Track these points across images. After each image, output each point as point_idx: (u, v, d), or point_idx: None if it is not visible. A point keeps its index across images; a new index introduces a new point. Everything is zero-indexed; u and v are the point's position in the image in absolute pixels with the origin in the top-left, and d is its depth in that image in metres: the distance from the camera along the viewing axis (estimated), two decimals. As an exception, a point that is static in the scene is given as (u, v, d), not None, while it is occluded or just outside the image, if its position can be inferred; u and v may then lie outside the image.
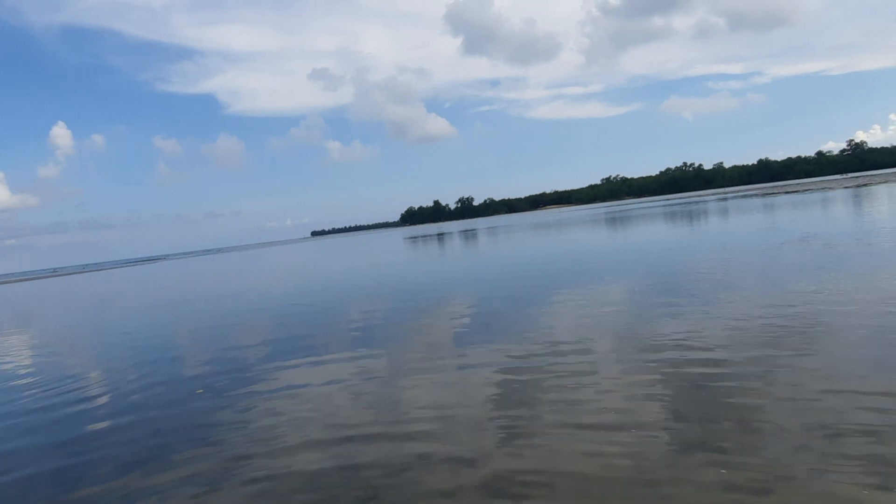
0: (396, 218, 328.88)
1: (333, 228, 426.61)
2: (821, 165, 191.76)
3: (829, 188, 67.69)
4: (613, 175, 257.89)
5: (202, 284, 37.74)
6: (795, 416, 5.28)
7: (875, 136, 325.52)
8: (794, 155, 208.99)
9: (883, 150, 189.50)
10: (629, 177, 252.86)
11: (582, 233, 41.68)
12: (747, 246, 19.17)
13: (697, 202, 78.91)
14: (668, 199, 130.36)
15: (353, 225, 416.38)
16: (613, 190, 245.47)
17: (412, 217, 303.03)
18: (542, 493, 4.48)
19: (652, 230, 35.46)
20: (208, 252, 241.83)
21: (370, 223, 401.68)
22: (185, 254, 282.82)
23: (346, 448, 5.82)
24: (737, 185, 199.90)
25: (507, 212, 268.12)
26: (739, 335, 8.20)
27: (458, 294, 16.77)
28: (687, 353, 7.65)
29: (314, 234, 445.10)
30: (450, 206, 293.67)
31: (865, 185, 64.47)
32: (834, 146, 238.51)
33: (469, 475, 4.91)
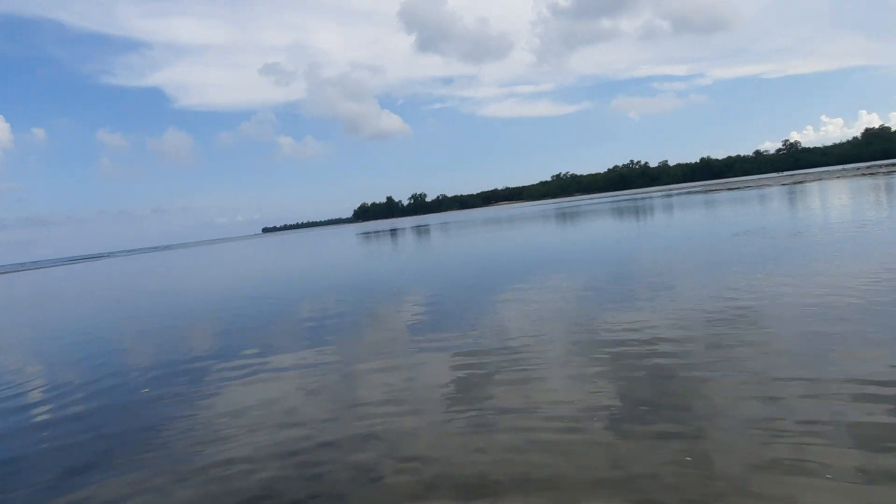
0: (349, 214, 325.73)
1: (285, 225, 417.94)
2: (759, 164, 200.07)
3: (768, 185, 70.84)
4: (563, 172, 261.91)
5: (148, 282, 36.37)
6: (748, 396, 5.43)
7: (808, 137, 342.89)
8: (733, 154, 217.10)
9: (815, 149, 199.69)
10: (579, 174, 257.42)
11: (534, 228, 42.24)
12: (695, 238, 19.82)
13: (644, 199, 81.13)
14: (616, 196, 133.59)
15: (305, 221, 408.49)
16: (563, 187, 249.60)
17: (365, 213, 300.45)
18: (507, 482, 4.46)
19: (602, 226, 36.26)
20: (155, 249, 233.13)
21: (322, 219, 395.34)
22: (130, 251, 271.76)
23: (300, 445, 5.65)
24: (681, 182, 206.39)
25: (459, 208, 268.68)
26: (692, 320, 8.41)
27: (413, 288, 16.70)
28: (639, 339, 7.77)
29: (265, 230, 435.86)
30: (403, 202, 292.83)
31: (801, 182, 67.72)
32: (771, 146, 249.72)
33: (430, 466, 4.85)
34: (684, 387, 5.93)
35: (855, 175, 67.77)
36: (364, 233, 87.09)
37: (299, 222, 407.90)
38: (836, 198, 34.13)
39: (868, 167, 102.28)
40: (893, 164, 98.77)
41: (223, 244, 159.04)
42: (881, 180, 48.16)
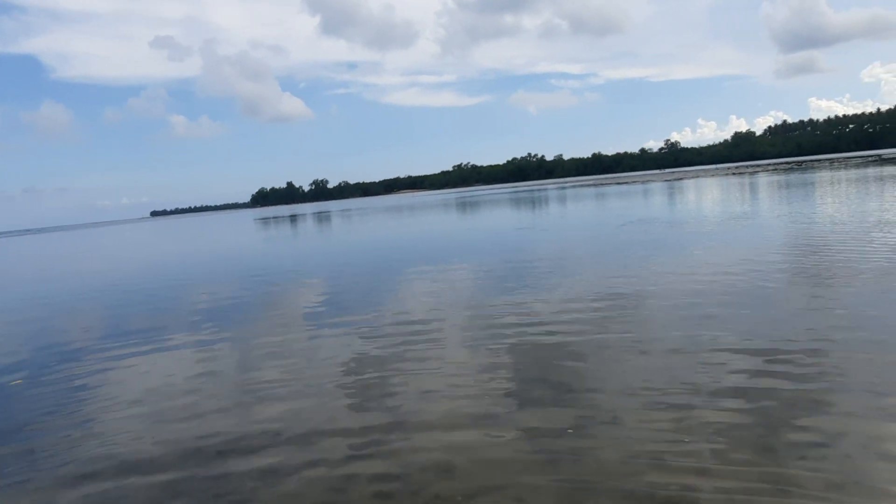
0: (247, 199, 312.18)
1: (177, 209, 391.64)
2: (644, 161, 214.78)
3: (652, 181, 76.40)
4: (464, 163, 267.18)
5: (21, 267, 33.01)
6: (630, 376, 5.92)
7: (686, 137, 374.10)
8: (622, 150, 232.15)
9: (692, 149, 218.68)
10: (479, 165, 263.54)
11: (435, 216, 42.75)
12: (588, 228, 21.01)
13: (542, 190, 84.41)
14: (514, 187, 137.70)
15: (199, 205, 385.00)
16: (464, 176, 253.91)
17: (264, 198, 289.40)
18: (415, 473, 4.60)
19: (503, 215, 37.39)
20: (28, 232, 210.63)
21: (218, 204, 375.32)
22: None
23: (195, 439, 5.43)
24: (574, 175, 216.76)
25: (361, 195, 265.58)
26: (584, 301, 8.93)
27: (311, 275, 16.45)
28: (533, 321, 8.16)
29: (154, 214, 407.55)
30: (304, 188, 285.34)
31: (680, 179, 73.57)
32: (654, 144, 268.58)
33: (339, 464, 4.89)
34: (578, 364, 6.33)
35: (725, 174, 74.72)
36: (262, 218, 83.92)
37: (192, 206, 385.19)
38: (709, 194, 37.47)
39: (736, 167, 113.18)
40: (757, 166, 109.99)
41: (106, 228, 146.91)
42: (746, 179, 53.57)
